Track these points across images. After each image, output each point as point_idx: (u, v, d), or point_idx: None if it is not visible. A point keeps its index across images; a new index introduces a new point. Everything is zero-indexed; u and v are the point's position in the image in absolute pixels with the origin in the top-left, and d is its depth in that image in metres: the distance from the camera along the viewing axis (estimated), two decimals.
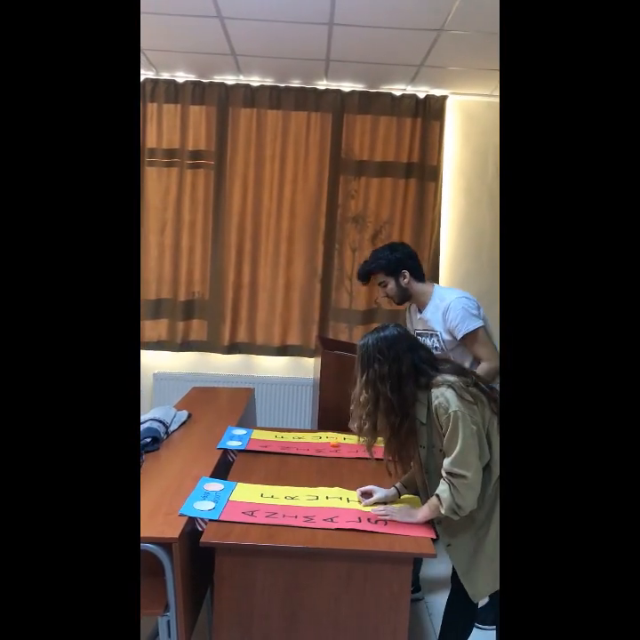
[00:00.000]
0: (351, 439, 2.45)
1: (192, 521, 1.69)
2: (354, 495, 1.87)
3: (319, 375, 2.92)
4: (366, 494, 1.88)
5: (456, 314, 2.34)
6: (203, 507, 1.74)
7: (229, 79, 3.86)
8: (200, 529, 1.67)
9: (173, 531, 1.60)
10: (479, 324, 2.34)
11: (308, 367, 3.95)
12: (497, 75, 3.54)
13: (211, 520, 1.69)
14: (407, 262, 2.46)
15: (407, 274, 2.45)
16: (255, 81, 3.86)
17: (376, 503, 1.83)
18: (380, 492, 1.86)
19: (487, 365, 2.31)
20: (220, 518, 1.69)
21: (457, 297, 2.39)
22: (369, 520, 1.70)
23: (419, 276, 2.50)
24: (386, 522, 1.70)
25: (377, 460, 1.95)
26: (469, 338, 2.33)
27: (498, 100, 3.94)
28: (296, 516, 1.71)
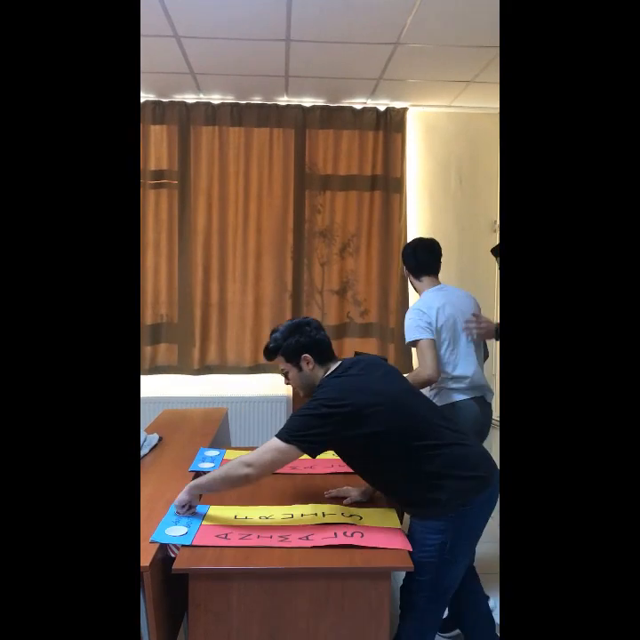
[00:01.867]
0: (326, 454, 2.42)
1: (164, 547, 1.64)
2: (329, 509, 1.85)
3: (292, 391, 2.90)
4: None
5: (406, 322, 2.54)
6: (175, 532, 1.69)
7: (189, 98, 3.85)
8: (172, 555, 1.62)
9: (144, 559, 1.54)
10: (418, 336, 2.45)
11: (282, 384, 3.91)
12: (455, 86, 3.60)
13: (183, 545, 1.64)
14: (407, 260, 2.73)
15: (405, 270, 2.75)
16: (216, 99, 3.86)
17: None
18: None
19: (417, 372, 2.43)
20: (193, 543, 1.64)
21: (412, 307, 2.59)
22: (345, 534, 1.68)
23: (416, 272, 2.71)
24: (362, 534, 1.68)
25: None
26: (413, 345, 2.51)
27: (457, 110, 4.01)
28: (271, 536, 1.68)
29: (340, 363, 1.88)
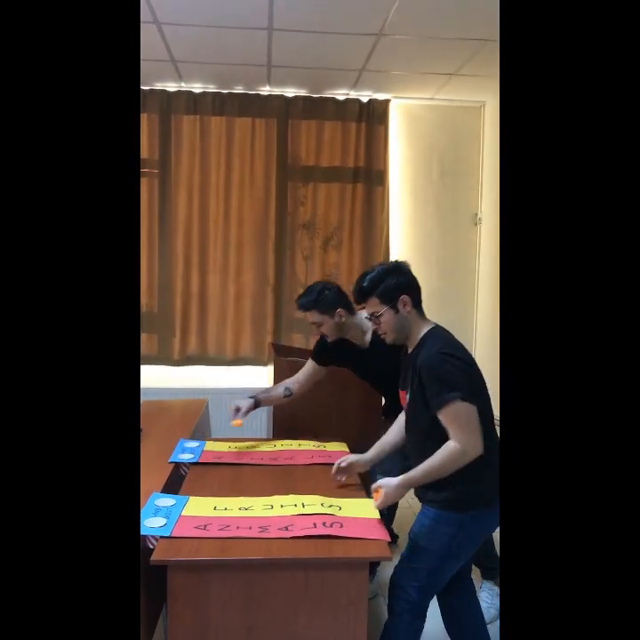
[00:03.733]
0: (306, 445, 2.43)
1: (143, 539, 1.63)
2: (309, 500, 1.85)
3: (273, 383, 2.89)
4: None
5: None
6: (153, 523, 1.68)
7: (171, 86, 3.81)
8: (151, 547, 1.61)
9: None
10: None
11: (263, 376, 3.91)
12: (438, 78, 3.60)
13: (162, 537, 1.63)
14: None
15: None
16: (197, 87, 3.82)
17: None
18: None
19: None
20: (172, 534, 1.64)
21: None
22: (324, 524, 1.68)
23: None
24: (341, 525, 1.68)
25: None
26: None
27: (439, 103, 4.02)
28: (250, 527, 1.67)
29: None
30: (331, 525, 1.67)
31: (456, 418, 1.62)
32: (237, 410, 2.36)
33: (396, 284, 1.77)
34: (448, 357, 1.65)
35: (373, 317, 1.82)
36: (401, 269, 1.81)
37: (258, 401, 2.42)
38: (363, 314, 2.31)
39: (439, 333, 1.77)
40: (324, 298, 2.34)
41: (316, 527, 1.66)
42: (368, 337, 2.38)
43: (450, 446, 1.63)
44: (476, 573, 2.66)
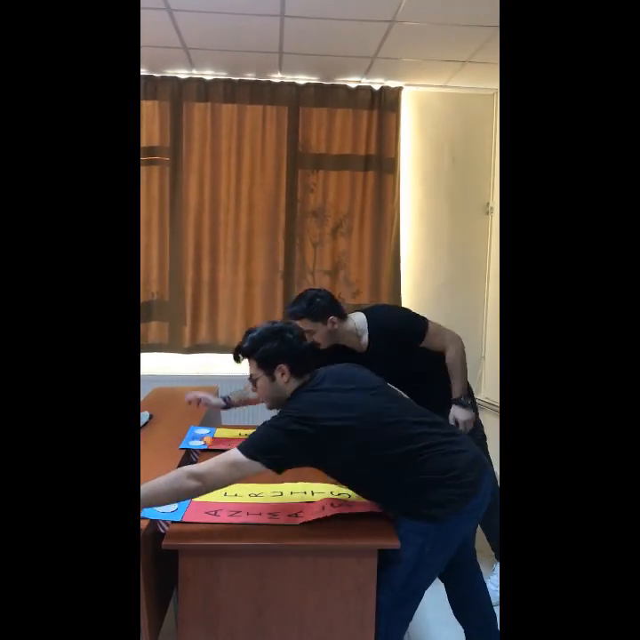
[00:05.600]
0: None
1: (154, 524, 1.66)
2: (318, 488, 1.87)
3: None
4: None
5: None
6: (165, 509, 1.71)
7: (182, 73, 3.80)
8: (162, 531, 1.64)
9: None
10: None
11: None
12: (450, 66, 3.57)
13: (173, 522, 1.66)
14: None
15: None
16: (208, 75, 3.81)
17: None
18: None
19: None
20: (183, 520, 1.66)
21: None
22: (332, 505, 1.70)
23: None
24: (350, 505, 1.71)
25: None
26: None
27: (452, 91, 3.98)
28: (260, 514, 1.70)
29: (311, 375, 1.73)
30: (339, 505, 1.70)
31: (223, 459, 1.57)
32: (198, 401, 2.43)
33: (275, 350, 1.67)
34: (285, 420, 1.57)
35: (251, 379, 1.75)
36: (284, 335, 1.70)
37: (230, 403, 2.46)
38: (355, 317, 2.37)
39: (302, 397, 1.66)
40: (315, 305, 2.28)
41: (324, 509, 1.68)
42: (364, 340, 2.36)
43: (189, 470, 1.58)
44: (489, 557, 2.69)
